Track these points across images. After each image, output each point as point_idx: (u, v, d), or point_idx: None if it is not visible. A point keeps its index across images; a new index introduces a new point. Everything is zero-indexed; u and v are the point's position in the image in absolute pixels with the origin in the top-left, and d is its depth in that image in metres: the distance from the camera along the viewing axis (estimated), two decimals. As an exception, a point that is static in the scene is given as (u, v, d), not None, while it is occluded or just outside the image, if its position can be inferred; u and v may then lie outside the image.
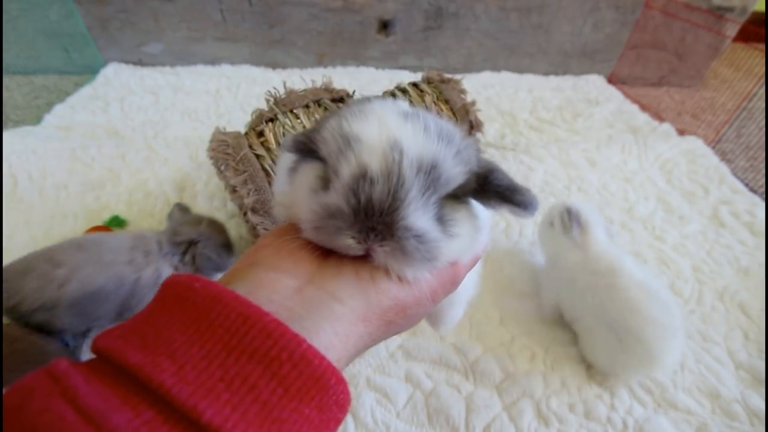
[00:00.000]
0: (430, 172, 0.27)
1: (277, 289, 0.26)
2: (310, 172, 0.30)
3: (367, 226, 0.26)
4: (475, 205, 0.32)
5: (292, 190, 0.32)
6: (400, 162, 0.26)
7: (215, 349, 0.21)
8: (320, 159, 0.30)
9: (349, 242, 0.27)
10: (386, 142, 0.27)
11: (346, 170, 0.27)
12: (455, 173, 0.28)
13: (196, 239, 0.76)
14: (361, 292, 0.27)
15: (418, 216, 0.27)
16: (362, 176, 0.26)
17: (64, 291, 0.64)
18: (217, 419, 0.19)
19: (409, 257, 0.27)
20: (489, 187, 0.30)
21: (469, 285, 0.42)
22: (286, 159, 0.35)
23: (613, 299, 0.67)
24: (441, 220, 0.29)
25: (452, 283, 0.32)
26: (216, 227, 0.80)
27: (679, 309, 0.72)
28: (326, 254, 0.29)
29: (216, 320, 0.22)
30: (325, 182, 0.29)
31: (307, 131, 0.31)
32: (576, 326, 0.75)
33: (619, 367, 0.69)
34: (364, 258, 0.28)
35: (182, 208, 0.84)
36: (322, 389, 0.22)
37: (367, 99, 0.32)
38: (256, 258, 0.29)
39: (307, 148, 0.30)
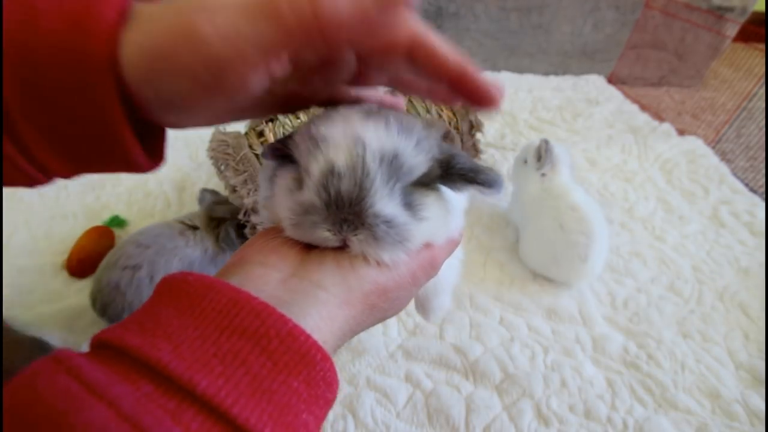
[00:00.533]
0: (392, 162, 0.29)
1: (265, 281, 0.28)
2: (286, 175, 0.33)
3: (340, 217, 0.29)
4: (446, 190, 0.34)
5: (273, 194, 0.35)
6: (363, 156, 0.29)
7: (208, 330, 0.23)
8: (294, 162, 0.32)
9: (325, 235, 0.29)
10: (350, 139, 0.29)
11: (316, 168, 0.29)
12: (417, 162, 0.30)
13: (226, 217, 0.82)
14: (342, 278, 0.29)
15: (385, 203, 0.29)
16: (330, 172, 0.28)
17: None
18: (211, 389, 0.21)
19: (380, 242, 0.29)
20: (453, 170, 0.32)
21: (451, 273, 0.45)
22: (266, 169, 0.38)
23: (560, 218, 0.85)
24: (410, 205, 0.31)
25: (431, 265, 0.34)
26: None
27: (608, 232, 0.89)
28: (309, 249, 0.31)
29: (209, 306, 0.24)
30: (300, 183, 0.31)
31: (281, 138, 0.34)
32: (526, 239, 0.92)
33: (557, 272, 0.87)
34: (343, 249, 0.30)
35: (212, 191, 0.90)
36: (308, 364, 0.24)
37: (334, 107, 0.34)
38: (243, 256, 0.31)
39: (282, 153, 0.33)
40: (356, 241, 0.29)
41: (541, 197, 0.89)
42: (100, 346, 0.24)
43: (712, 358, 0.76)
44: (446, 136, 0.95)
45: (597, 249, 0.82)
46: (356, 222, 0.29)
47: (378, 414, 0.65)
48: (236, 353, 0.22)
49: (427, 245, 0.33)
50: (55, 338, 0.73)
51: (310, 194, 0.29)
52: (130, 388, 0.20)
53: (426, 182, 0.32)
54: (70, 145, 0.26)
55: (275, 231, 0.32)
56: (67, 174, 0.29)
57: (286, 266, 0.30)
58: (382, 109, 0.33)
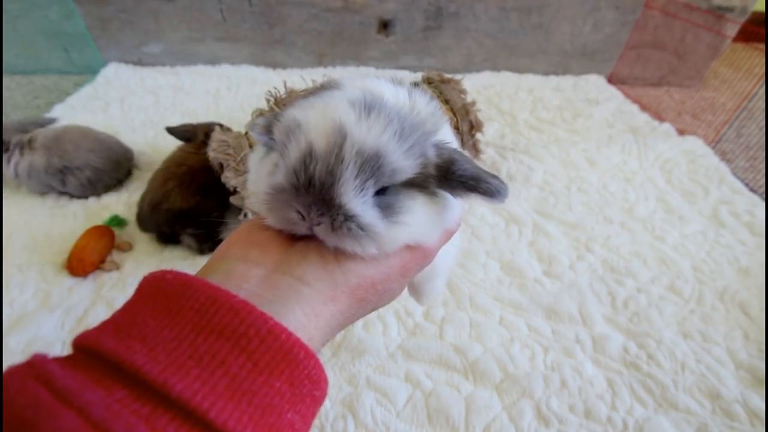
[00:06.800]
0: (371, 160, 0.28)
1: (246, 277, 0.27)
2: (269, 161, 0.32)
3: (308, 201, 0.28)
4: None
5: (254, 177, 0.34)
6: (341, 144, 0.27)
7: (185, 330, 0.22)
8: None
9: (293, 216, 0.28)
10: (331, 125, 0.28)
11: (294, 150, 0.28)
12: (404, 166, 0.29)
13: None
14: (327, 273, 0.28)
15: (350, 198, 0.28)
16: (308, 154, 0.28)
17: None
18: (186, 392, 0.20)
19: (343, 235, 0.28)
20: (452, 177, 0.30)
21: (447, 258, 0.43)
22: (257, 154, 0.37)
23: None
24: (390, 207, 0.29)
25: (424, 256, 0.33)
26: None
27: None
28: (292, 243, 0.31)
29: (186, 304, 0.23)
30: (279, 167, 0.30)
31: (268, 117, 0.33)
32: None
33: None
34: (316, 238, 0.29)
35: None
36: (291, 363, 0.23)
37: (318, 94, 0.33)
38: (225, 251, 0.30)
39: (266, 133, 0.32)
40: (320, 231, 0.28)
41: None
42: (78, 349, 0.23)
43: (712, 358, 0.76)
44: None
45: None
46: (322, 209, 0.28)
47: (378, 414, 0.65)
48: (214, 354, 0.22)
49: (415, 245, 0.31)
50: (55, 338, 0.73)
51: (285, 175, 0.28)
52: (102, 393, 0.19)
53: (417, 183, 0.31)
54: None
55: (257, 222, 0.32)
56: None
57: (269, 261, 0.29)
58: (381, 101, 0.31)
